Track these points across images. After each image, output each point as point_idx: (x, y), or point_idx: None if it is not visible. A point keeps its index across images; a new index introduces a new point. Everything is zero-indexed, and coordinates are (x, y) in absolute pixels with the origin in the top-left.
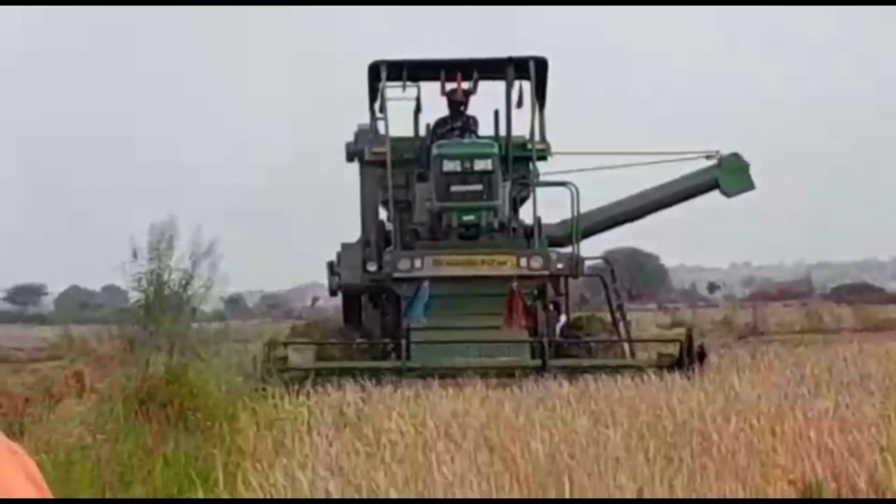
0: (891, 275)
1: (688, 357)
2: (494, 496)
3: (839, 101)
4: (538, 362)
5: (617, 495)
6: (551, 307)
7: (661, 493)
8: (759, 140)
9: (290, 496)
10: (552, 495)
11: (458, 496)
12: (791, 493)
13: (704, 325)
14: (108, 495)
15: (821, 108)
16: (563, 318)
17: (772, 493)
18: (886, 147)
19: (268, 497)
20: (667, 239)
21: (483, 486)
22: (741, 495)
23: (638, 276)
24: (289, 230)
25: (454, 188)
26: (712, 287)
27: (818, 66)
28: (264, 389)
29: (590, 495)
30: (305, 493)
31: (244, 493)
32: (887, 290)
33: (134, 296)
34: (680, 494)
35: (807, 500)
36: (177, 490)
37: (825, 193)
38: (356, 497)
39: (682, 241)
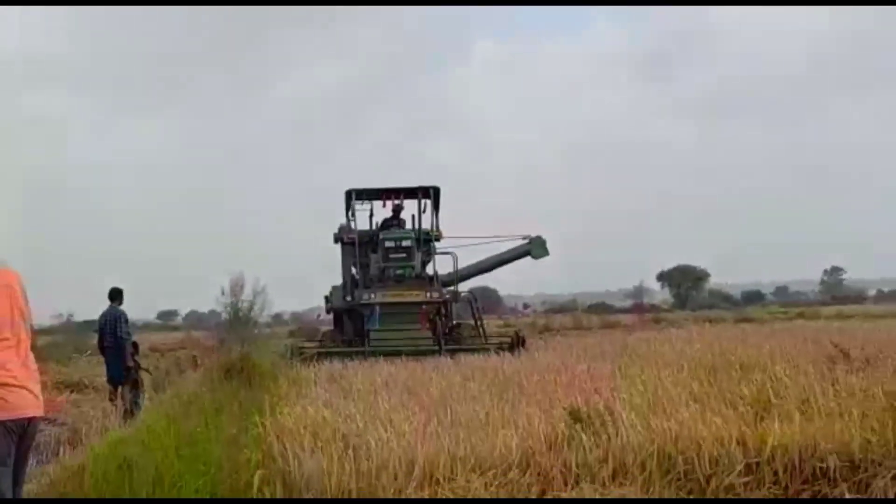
0: (623, 296)
1: (515, 344)
2: (410, 417)
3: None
4: (436, 348)
5: (476, 417)
6: (443, 318)
7: (498, 414)
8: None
9: (303, 418)
10: (442, 416)
11: (392, 418)
12: (562, 412)
13: (522, 327)
14: (209, 420)
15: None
16: (449, 325)
17: (556, 413)
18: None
19: (295, 417)
20: (500, 281)
21: (403, 411)
22: (538, 415)
23: (486, 300)
24: (310, 276)
25: (391, 255)
26: (525, 305)
27: None
28: (291, 364)
29: (461, 418)
30: (311, 417)
31: (280, 418)
32: (617, 306)
33: (224, 315)
34: (508, 412)
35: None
36: (245, 416)
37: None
38: (339, 418)
39: (508, 281)
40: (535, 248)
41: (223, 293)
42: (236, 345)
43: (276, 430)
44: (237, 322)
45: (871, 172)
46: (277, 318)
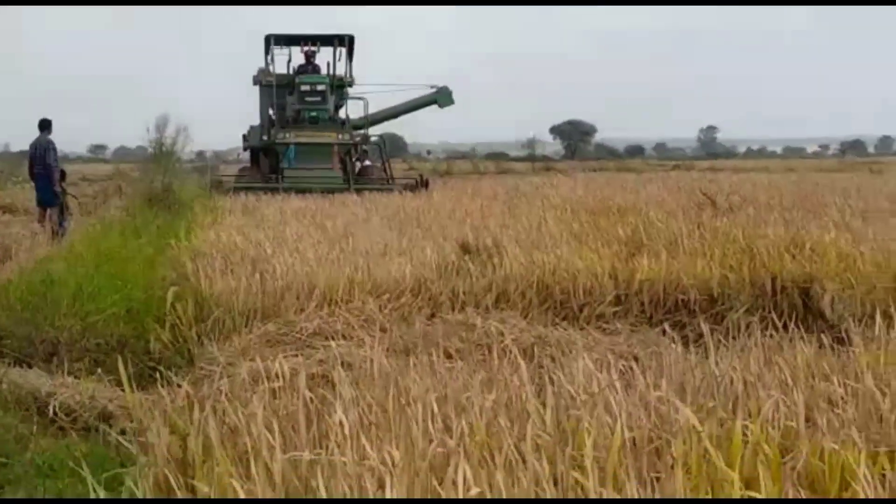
0: (518, 147)
1: (419, 184)
2: (314, 243)
3: None
4: (346, 186)
5: (375, 247)
6: (353, 160)
7: (396, 245)
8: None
9: (217, 243)
10: (344, 244)
11: (298, 247)
12: (454, 245)
13: (424, 171)
14: (129, 241)
15: None
16: (358, 165)
17: (445, 245)
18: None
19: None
20: (406, 129)
21: (309, 239)
22: (431, 247)
23: (392, 146)
24: (230, 116)
25: (306, 98)
26: (428, 152)
27: None
28: (209, 196)
29: (361, 246)
30: (224, 242)
31: (194, 242)
32: (512, 155)
33: (149, 150)
34: (405, 244)
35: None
36: (163, 239)
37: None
38: (249, 244)
39: (414, 130)
40: (441, 97)
41: (149, 130)
42: (159, 176)
43: (191, 252)
44: (161, 156)
45: (747, 45)
46: (200, 155)
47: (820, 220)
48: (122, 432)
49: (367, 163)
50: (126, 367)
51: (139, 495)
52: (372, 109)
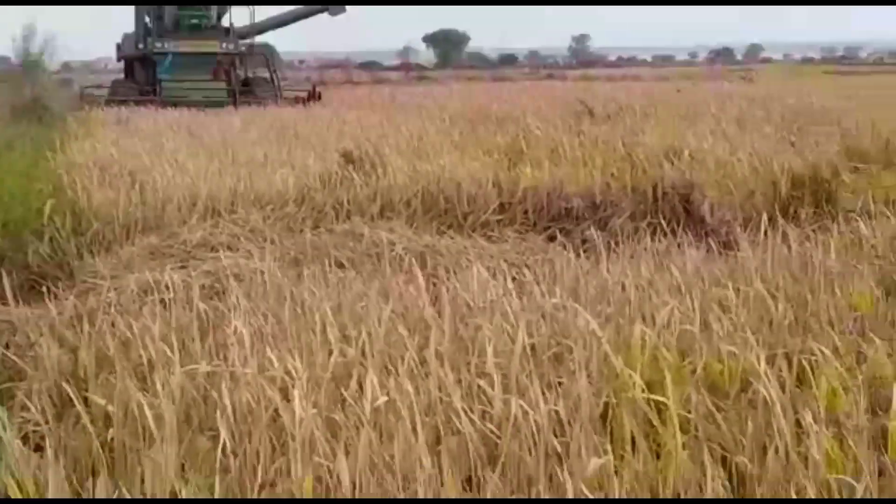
0: (392, 56)
1: (312, 97)
2: (192, 154)
3: None
4: (230, 99)
5: (255, 158)
6: (238, 70)
7: (276, 156)
8: None
9: (92, 156)
10: (223, 157)
11: (177, 159)
12: (335, 156)
13: (296, 82)
14: (1, 154)
15: None
16: (242, 76)
17: (329, 157)
18: None
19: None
20: (276, 39)
21: (187, 151)
22: (313, 157)
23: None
24: (101, 24)
25: (186, 4)
26: (300, 61)
27: None
28: (81, 108)
29: (242, 159)
30: (100, 155)
31: (70, 155)
32: (386, 65)
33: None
34: (286, 156)
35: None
36: (37, 151)
37: None
38: (127, 156)
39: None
40: (333, 6)
41: (14, 40)
42: (27, 88)
43: (66, 165)
44: (29, 66)
45: None
46: (66, 66)
47: (696, 129)
48: (7, 347)
49: (252, 74)
50: (1, 280)
51: (33, 409)
52: (259, 18)
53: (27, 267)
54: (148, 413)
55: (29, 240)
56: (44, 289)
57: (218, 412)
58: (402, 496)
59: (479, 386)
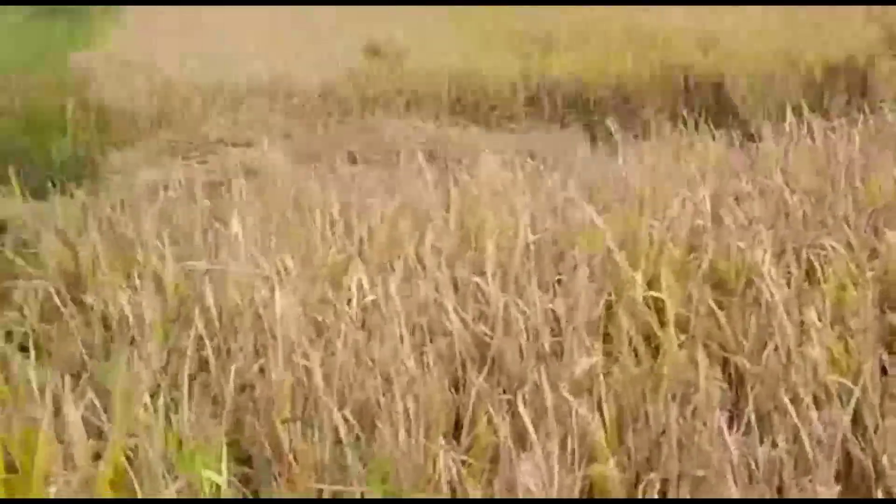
0: None
1: None
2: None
3: None
4: None
5: (276, 49)
6: None
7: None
8: None
9: (115, 47)
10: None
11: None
12: (359, 49)
13: None
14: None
15: None
16: None
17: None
18: None
19: None
20: None
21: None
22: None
23: None
24: None
25: None
26: None
27: None
28: None
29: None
30: (123, 46)
31: (93, 47)
32: None
33: None
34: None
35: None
36: None
37: None
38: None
39: None
40: None
41: None
42: None
43: (90, 59)
44: None
45: None
46: None
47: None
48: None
49: None
50: (21, 177)
51: (27, 313)
52: None
53: (51, 164)
54: (128, 311)
55: (54, 137)
56: (57, 186)
57: (197, 309)
58: (382, 400)
59: (476, 284)
